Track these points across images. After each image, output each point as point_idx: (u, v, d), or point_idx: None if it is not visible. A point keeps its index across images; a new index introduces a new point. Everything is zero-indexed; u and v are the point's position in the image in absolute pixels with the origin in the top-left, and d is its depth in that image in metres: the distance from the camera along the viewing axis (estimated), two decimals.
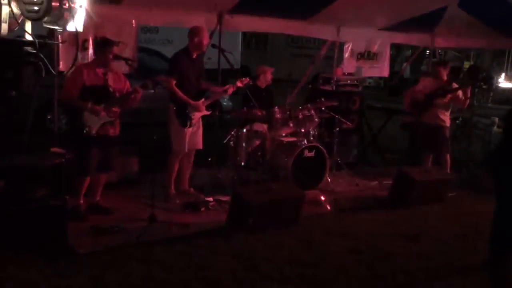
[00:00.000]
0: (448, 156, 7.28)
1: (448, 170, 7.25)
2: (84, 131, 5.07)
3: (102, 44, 5.23)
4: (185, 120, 5.80)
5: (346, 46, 8.55)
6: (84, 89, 5.07)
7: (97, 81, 5.14)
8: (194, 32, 5.81)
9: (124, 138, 5.65)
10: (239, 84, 6.12)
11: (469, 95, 7.17)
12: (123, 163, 6.23)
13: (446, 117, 7.20)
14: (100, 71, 5.17)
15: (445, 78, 7.22)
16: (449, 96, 7.05)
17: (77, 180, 5.22)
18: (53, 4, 4.56)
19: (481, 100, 16.32)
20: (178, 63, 5.78)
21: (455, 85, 7.15)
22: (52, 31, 5.32)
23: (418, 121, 7.32)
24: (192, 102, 5.80)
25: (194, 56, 5.85)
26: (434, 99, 7.10)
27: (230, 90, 6.08)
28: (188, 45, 5.82)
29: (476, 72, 7.40)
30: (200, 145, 6.11)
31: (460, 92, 7.06)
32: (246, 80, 6.14)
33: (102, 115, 5.12)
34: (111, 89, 5.20)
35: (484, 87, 8.63)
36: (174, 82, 5.69)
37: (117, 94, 5.24)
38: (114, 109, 5.19)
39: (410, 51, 19.34)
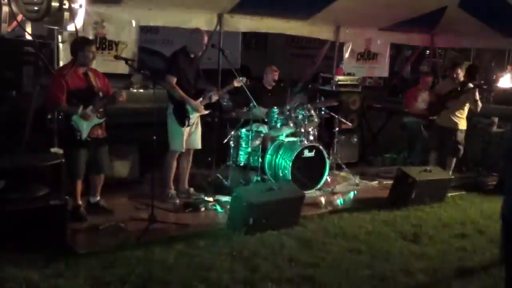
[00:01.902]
0: (454, 160, 7.21)
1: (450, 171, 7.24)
2: (76, 136, 5.00)
3: (82, 43, 5.00)
4: (183, 119, 5.80)
5: (346, 46, 8.55)
6: (69, 93, 4.93)
7: (81, 83, 5.02)
8: (200, 33, 5.83)
9: (124, 138, 5.64)
10: (235, 84, 6.12)
11: (477, 97, 6.96)
12: (123, 163, 6.23)
13: (460, 120, 7.08)
14: (80, 71, 5.04)
15: (462, 79, 7.13)
16: (461, 97, 6.96)
17: (70, 184, 5.18)
18: (53, 4, 4.55)
19: (481, 100, 16.25)
20: (177, 62, 5.78)
21: (470, 86, 7.00)
22: (52, 31, 5.31)
23: (432, 124, 7.27)
24: (192, 100, 5.81)
25: (192, 56, 5.87)
26: (447, 100, 7.04)
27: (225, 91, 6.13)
28: (187, 45, 5.83)
29: (474, 71, 7.35)
30: (198, 145, 6.10)
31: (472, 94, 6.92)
32: (243, 80, 6.12)
33: (92, 118, 5.04)
34: (96, 90, 5.10)
35: (485, 87, 8.55)
36: (174, 80, 5.69)
37: (101, 94, 5.12)
38: (101, 109, 5.10)
39: (410, 51, 19.32)
